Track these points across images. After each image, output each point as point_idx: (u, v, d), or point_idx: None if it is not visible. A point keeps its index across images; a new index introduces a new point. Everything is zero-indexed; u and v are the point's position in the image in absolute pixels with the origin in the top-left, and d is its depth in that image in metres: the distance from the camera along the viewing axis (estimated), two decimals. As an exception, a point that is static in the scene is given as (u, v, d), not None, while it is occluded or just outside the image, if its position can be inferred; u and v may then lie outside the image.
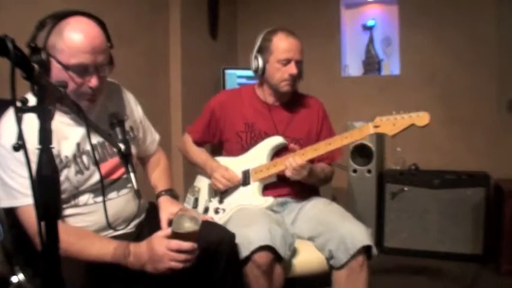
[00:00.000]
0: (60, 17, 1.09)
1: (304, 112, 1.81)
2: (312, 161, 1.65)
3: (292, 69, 1.68)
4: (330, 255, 1.49)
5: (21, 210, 1.10)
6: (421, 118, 1.51)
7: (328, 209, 1.66)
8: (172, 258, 1.08)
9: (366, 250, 1.46)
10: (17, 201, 1.10)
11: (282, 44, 1.68)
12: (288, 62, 1.68)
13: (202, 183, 1.84)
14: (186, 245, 1.09)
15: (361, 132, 1.57)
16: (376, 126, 1.55)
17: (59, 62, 1.08)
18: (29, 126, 0.77)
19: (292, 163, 1.56)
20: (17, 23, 1.71)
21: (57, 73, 1.09)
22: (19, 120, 0.71)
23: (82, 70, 1.11)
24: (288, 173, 1.58)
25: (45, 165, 0.75)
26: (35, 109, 0.75)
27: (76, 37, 1.08)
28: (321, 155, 1.62)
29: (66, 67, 1.09)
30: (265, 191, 1.71)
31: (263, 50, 1.71)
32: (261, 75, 1.74)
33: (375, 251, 1.48)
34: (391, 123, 1.54)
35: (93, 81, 1.14)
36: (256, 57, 1.72)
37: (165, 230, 1.14)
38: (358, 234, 1.46)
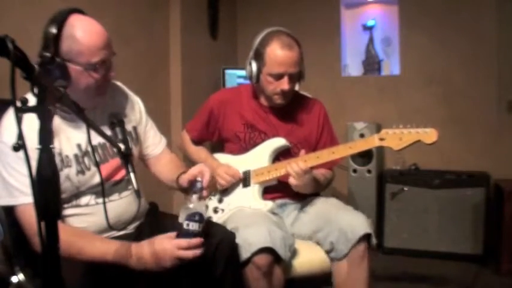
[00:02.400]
0: (60, 21, 1.09)
1: (304, 116, 1.77)
2: (311, 167, 1.62)
3: (284, 84, 1.61)
4: (331, 248, 1.49)
5: (20, 209, 1.10)
6: (429, 135, 1.48)
7: (326, 203, 1.67)
8: (181, 256, 1.09)
9: (366, 239, 1.46)
10: (15, 200, 1.10)
11: (275, 57, 1.59)
12: (280, 76, 1.62)
13: (201, 181, 1.84)
14: (195, 241, 1.10)
15: (366, 143, 1.55)
16: (381, 139, 1.52)
17: (79, 64, 1.11)
18: (30, 126, 0.77)
19: (295, 167, 1.52)
20: (17, 23, 1.71)
21: (77, 76, 1.12)
22: (19, 120, 0.71)
23: (102, 66, 1.15)
24: (291, 180, 1.54)
25: (45, 166, 0.75)
26: (35, 109, 0.75)
27: (91, 37, 1.11)
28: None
29: (88, 67, 1.12)
30: (264, 193, 1.70)
31: (258, 57, 1.65)
32: (255, 82, 1.70)
33: (374, 239, 1.48)
34: (397, 138, 1.51)
35: (113, 74, 1.21)
36: (250, 64, 1.67)
37: (169, 234, 1.14)
38: (358, 224, 1.46)
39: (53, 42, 1.07)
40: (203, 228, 1.13)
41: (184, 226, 1.11)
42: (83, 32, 1.10)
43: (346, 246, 1.45)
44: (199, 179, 1.14)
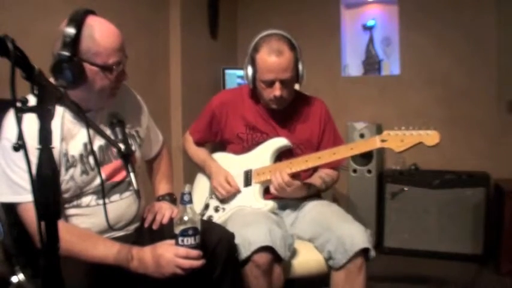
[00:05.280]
0: (78, 22, 1.09)
1: (305, 117, 1.76)
2: (315, 167, 1.61)
3: (275, 91, 1.59)
4: (329, 256, 1.49)
5: (24, 207, 1.10)
6: (431, 137, 1.46)
7: (327, 209, 1.66)
8: (179, 264, 1.09)
9: (364, 252, 1.46)
10: (20, 197, 1.09)
11: (264, 64, 1.58)
12: (271, 83, 1.59)
13: (203, 180, 1.84)
14: (194, 252, 1.11)
15: (367, 145, 1.54)
16: (383, 141, 1.51)
17: (96, 65, 1.12)
18: (33, 124, 0.77)
19: (278, 179, 1.53)
20: (17, 23, 1.72)
21: (92, 76, 1.13)
22: (19, 121, 0.71)
23: (117, 68, 1.16)
24: (272, 189, 1.57)
25: (45, 166, 0.75)
26: (35, 109, 0.75)
27: (108, 38, 1.13)
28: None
29: (105, 68, 1.13)
30: (265, 193, 1.70)
31: (252, 62, 1.65)
32: (252, 86, 1.69)
33: (372, 253, 1.48)
34: (399, 139, 1.49)
35: (126, 75, 1.23)
36: (246, 68, 1.67)
37: (170, 241, 1.14)
38: (358, 237, 1.45)
39: (71, 42, 1.07)
40: (199, 239, 1.13)
41: (179, 242, 1.11)
42: (101, 33, 1.11)
43: (344, 257, 1.44)
44: (186, 190, 1.14)
